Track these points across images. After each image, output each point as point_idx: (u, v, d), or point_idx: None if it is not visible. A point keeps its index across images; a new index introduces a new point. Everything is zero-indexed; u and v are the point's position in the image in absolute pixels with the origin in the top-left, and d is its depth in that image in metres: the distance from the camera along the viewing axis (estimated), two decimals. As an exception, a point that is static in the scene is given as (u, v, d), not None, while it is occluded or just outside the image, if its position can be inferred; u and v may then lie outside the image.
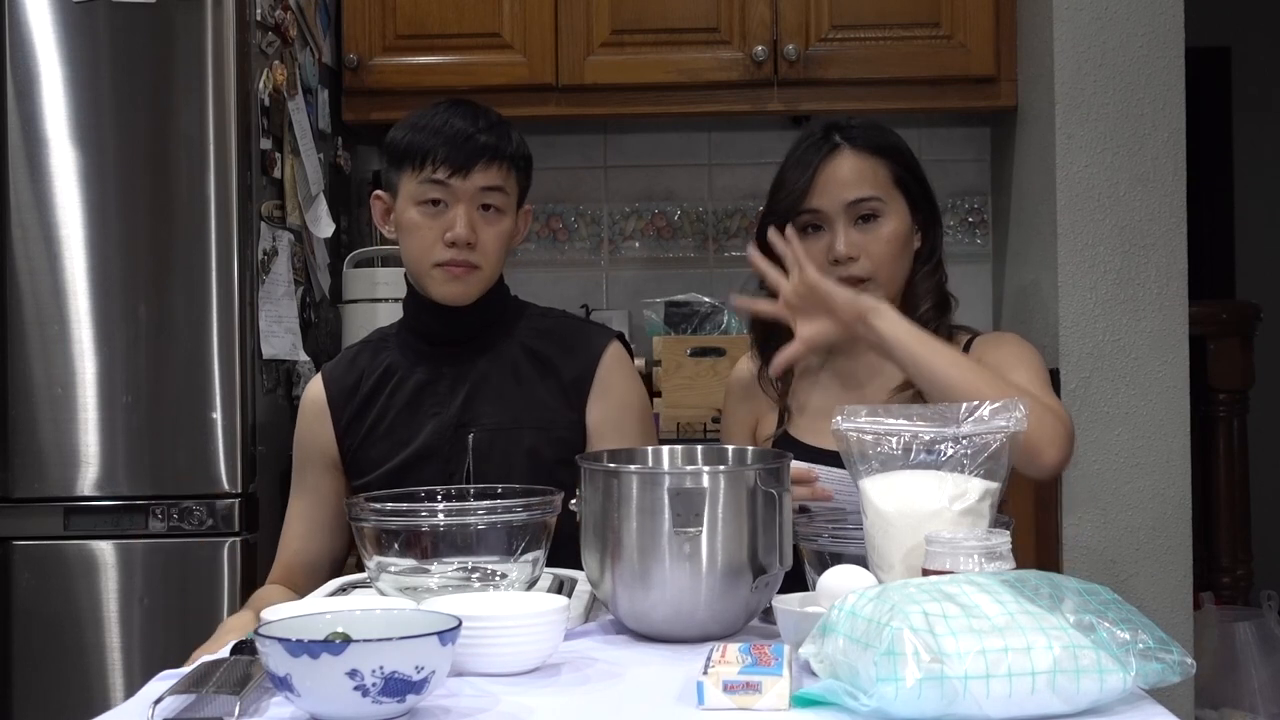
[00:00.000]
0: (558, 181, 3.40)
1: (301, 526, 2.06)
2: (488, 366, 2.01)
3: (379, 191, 2.06)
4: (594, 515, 1.48)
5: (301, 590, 1.96)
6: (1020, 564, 1.34)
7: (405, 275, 2.05)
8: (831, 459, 1.78)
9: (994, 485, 1.44)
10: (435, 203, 1.96)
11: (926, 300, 1.99)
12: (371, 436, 2.02)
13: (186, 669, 1.32)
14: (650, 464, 1.60)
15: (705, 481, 1.43)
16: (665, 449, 1.64)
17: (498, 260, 2.01)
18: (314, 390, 2.09)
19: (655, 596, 1.44)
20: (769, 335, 2.03)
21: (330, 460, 2.05)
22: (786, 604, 1.42)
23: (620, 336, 2.09)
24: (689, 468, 1.56)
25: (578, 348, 2.01)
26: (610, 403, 2.01)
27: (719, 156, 3.46)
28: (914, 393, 1.93)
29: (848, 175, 1.94)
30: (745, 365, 2.09)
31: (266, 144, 2.64)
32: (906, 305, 2.00)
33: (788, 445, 1.95)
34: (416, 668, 1.14)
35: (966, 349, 2.00)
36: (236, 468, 2.53)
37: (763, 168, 3.40)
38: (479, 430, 1.97)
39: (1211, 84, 5.20)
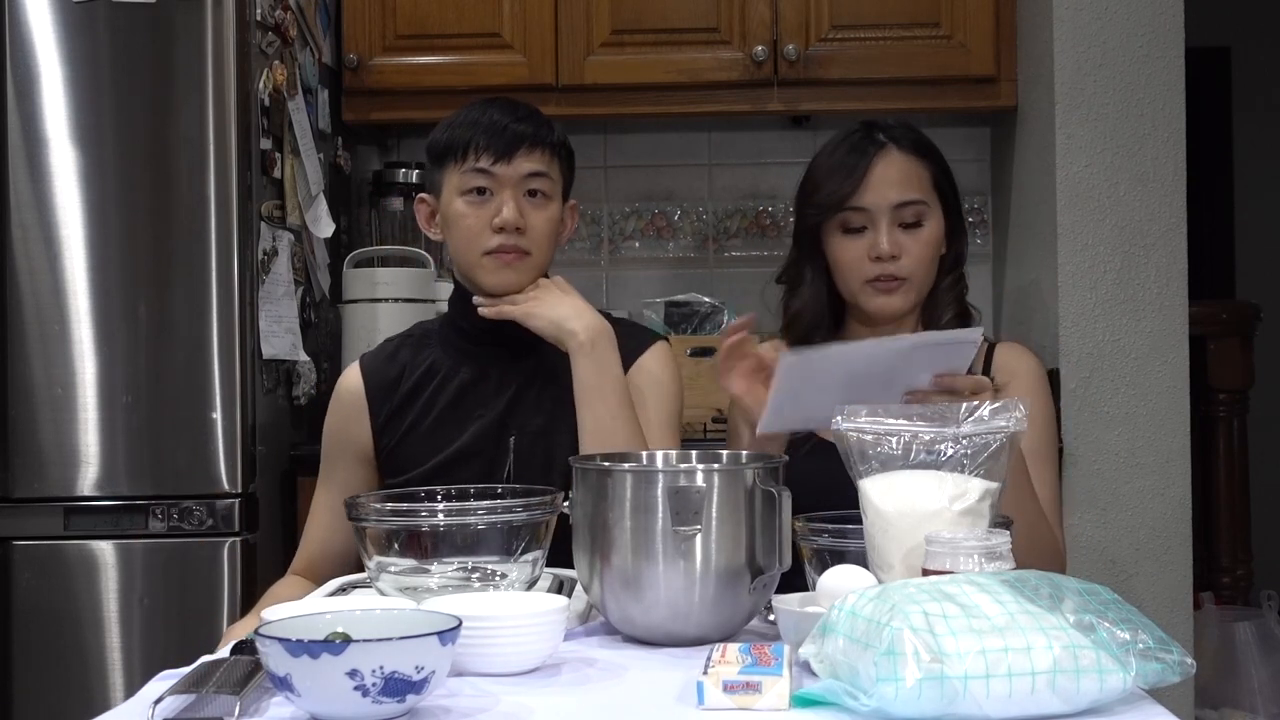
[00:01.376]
0: (558, 181, 3.40)
1: (328, 518, 2.03)
2: (533, 367, 1.99)
3: (423, 194, 2.04)
4: (586, 516, 1.47)
5: (324, 582, 1.95)
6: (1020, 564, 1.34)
7: (452, 272, 2.03)
8: None
9: (994, 485, 1.44)
10: (480, 191, 1.94)
11: (949, 310, 2.01)
12: (412, 435, 2.00)
13: (186, 669, 1.32)
14: (644, 463, 1.60)
15: (703, 480, 1.43)
16: (659, 452, 1.65)
17: (548, 247, 1.99)
18: (350, 381, 2.06)
19: (650, 598, 1.43)
20: (810, 334, 2.03)
21: (363, 455, 2.03)
22: (786, 604, 1.42)
23: (666, 339, 2.08)
24: (684, 466, 1.56)
25: (623, 350, 1.97)
26: (640, 380, 1.99)
27: (719, 156, 3.46)
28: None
29: (896, 176, 1.95)
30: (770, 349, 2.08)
31: (266, 144, 2.64)
32: (929, 313, 2.01)
33: (817, 446, 1.95)
34: (416, 668, 1.14)
35: (989, 355, 2.01)
36: (236, 468, 2.53)
37: (763, 168, 3.42)
38: (520, 433, 1.96)
39: (1211, 84, 5.20)
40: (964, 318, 2.02)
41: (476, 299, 1.96)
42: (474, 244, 1.95)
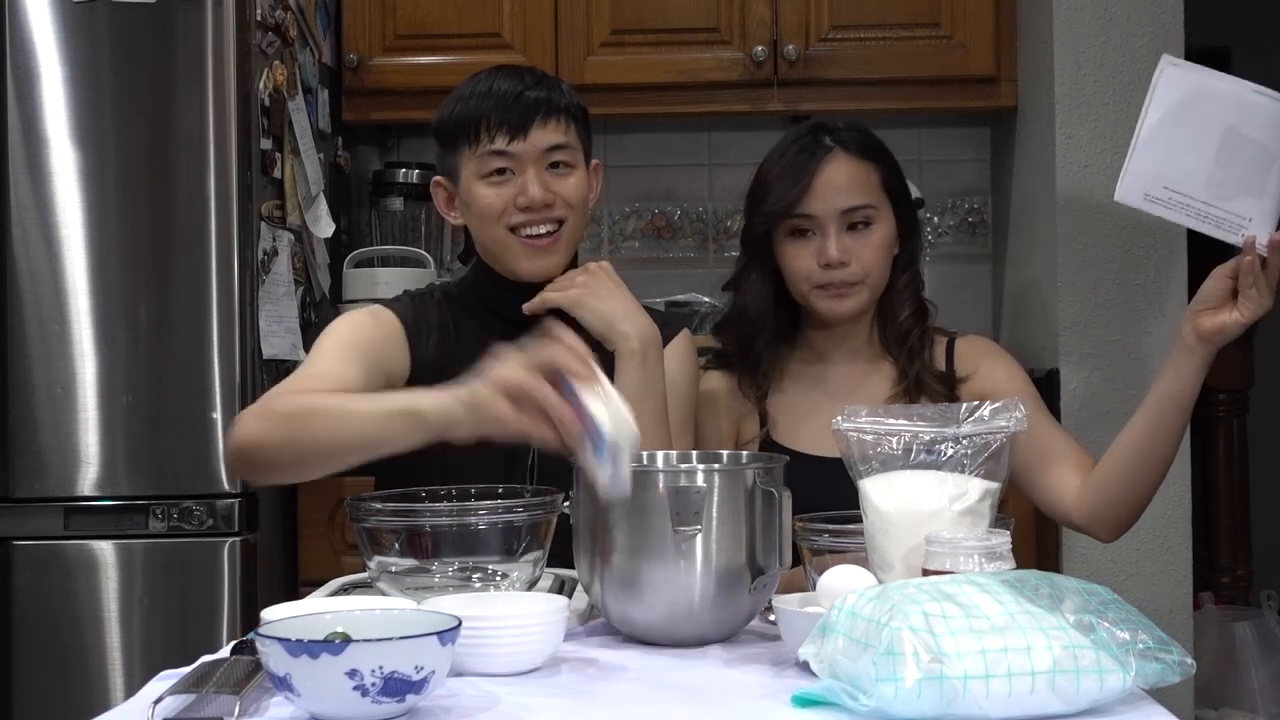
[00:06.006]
0: (558, 181, 3.39)
1: (338, 366, 1.78)
2: None
3: (438, 178, 1.96)
4: (587, 517, 1.47)
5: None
6: (1020, 564, 1.34)
7: (475, 250, 1.95)
8: (816, 464, 1.79)
9: (994, 485, 1.44)
10: (501, 172, 1.87)
11: (905, 308, 2.01)
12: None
13: (186, 669, 1.32)
14: (645, 463, 1.60)
15: (703, 480, 1.43)
16: (660, 452, 1.64)
17: (580, 212, 1.91)
18: (388, 316, 1.90)
19: (650, 598, 1.43)
20: (751, 336, 2.03)
21: (395, 382, 1.86)
22: (786, 604, 1.43)
23: (688, 329, 2.01)
24: (684, 466, 1.56)
25: None
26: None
27: (719, 156, 3.46)
28: (905, 403, 1.94)
29: (843, 181, 1.94)
30: (715, 379, 2.07)
31: (266, 144, 2.64)
32: (886, 313, 2.01)
33: (770, 449, 1.96)
34: (416, 668, 1.14)
35: (949, 349, 2.02)
36: (236, 468, 2.53)
37: (763, 168, 3.42)
38: None
39: (1211, 84, 5.19)
40: (922, 314, 2.02)
41: (526, 306, 1.86)
42: (500, 220, 1.86)
